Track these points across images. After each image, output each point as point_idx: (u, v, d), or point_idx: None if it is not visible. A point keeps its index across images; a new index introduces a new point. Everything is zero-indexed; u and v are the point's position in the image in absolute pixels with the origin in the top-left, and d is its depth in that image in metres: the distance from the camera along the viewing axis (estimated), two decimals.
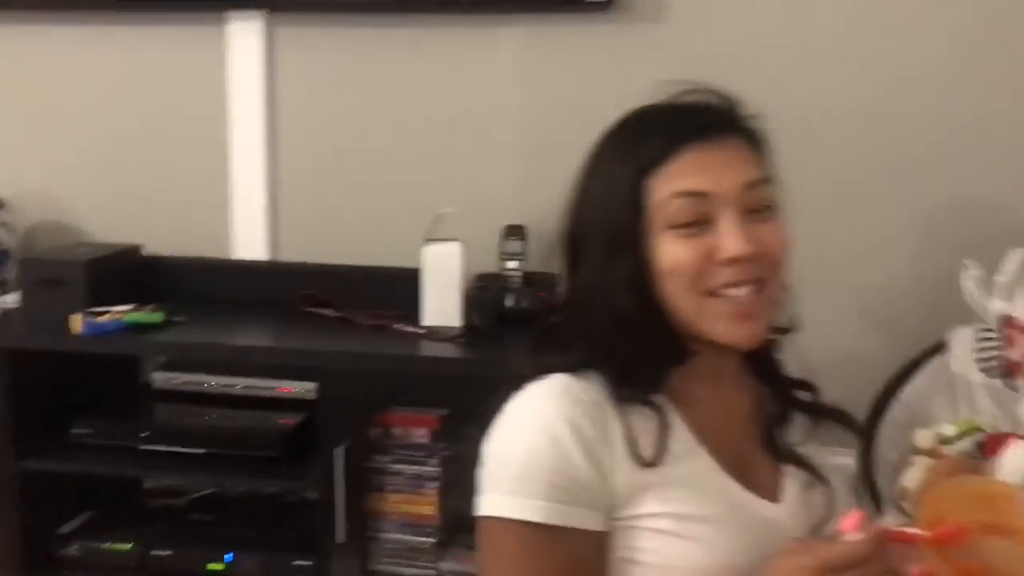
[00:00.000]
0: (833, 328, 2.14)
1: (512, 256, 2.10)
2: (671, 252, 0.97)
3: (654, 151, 0.97)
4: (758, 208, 0.98)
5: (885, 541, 0.88)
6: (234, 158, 2.29)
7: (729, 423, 1.05)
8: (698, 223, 0.96)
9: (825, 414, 1.11)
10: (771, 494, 1.03)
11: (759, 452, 1.06)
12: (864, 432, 1.82)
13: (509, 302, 2.01)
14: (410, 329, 1.99)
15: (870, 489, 1.72)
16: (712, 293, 0.97)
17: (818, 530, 1.03)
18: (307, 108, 2.26)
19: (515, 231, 2.10)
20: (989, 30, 2.04)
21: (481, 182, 2.21)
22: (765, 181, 0.99)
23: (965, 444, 1.75)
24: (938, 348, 1.96)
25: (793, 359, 1.18)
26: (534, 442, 0.96)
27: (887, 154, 2.09)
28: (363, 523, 1.92)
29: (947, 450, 1.75)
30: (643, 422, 0.98)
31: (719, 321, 0.97)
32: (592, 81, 2.13)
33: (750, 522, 0.99)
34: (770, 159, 1.04)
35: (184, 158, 2.32)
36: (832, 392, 2.05)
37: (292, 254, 2.29)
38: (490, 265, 2.12)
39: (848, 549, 0.87)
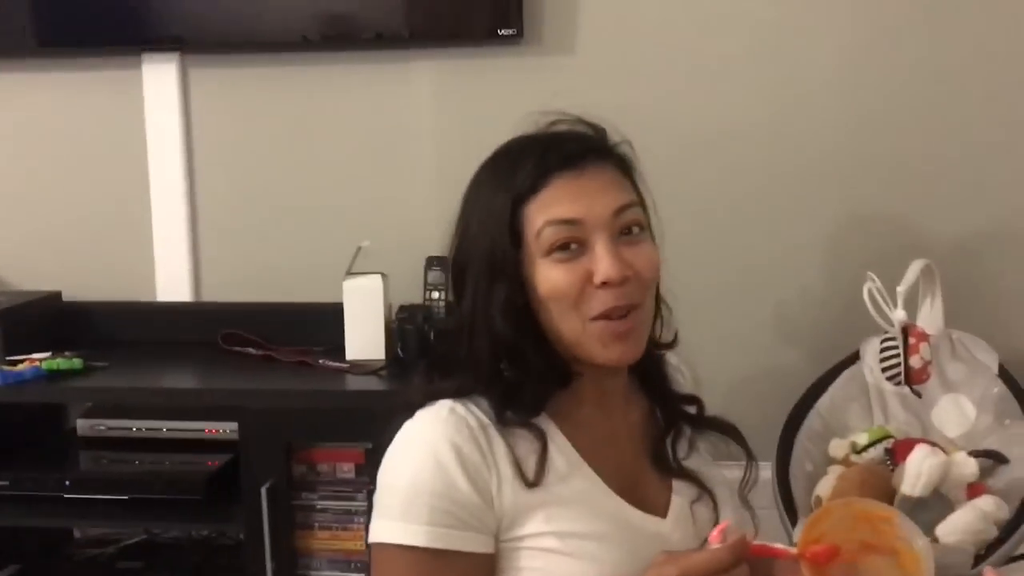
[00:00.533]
0: (749, 342, 2.19)
1: (435, 286, 2.12)
2: (549, 277, 1.00)
3: (527, 180, 1.00)
4: (629, 231, 1.02)
5: (746, 551, 0.90)
6: (154, 199, 2.28)
7: (615, 441, 1.08)
8: (572, 248, 0.99)
9: (711, 426, 1.14)
10: (659, 509, 1.06)
11: (647, 468, 1.09)
12: (780, 442, 1.86)
13: (433, 332, 2.02)
14: (334, 364, 2.00)
15: (786, 500, 1.76)
16: (592, 319, 1.00)
17: (705, 544, 1.05)
18: (224, 147, 2.27)
19: (437, 261, 2.12)
20: (888, 48, 2.12)
21: (402, 214, 2.23)
22: (634, 205, 1.03)
23: (875, 451, 1.81)
24: (852, 359, 2.01)
25: (688, 375, 1.21)
26: (419, 467, 0.98)
27: (793, 171, 2.16)
28: (292, 562, 1.90)
29: (859, 458, 1.80)
30: (527, 444, 1.01)
31: (597, 343, 1.00)
32: (507, 111, 2.10)
33: (635, 538, 1.02)
34: (639, 183, 1.08)
35: (103, 201, 2.31)
36: (750, 405, 2.12)
37: (215, 294, 2.29)
38: (415, 296, 2.13)
39: (707, 557, 0.90)
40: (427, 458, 0.98)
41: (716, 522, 1.06)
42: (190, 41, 2.20)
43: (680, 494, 1.08)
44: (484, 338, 1.02)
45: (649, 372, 1.12)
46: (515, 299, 1.00)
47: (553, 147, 1.02)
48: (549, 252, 1.00)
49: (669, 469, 1.09)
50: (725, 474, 1.13)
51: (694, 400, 1.15)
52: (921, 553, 0.92)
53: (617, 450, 1.07)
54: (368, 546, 1.03)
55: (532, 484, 0.99)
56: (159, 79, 2.24)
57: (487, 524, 0.98)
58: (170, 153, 2.26)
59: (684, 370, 1.19)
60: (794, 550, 0.92)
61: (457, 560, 0.97)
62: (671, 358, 1.18)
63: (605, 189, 1.01)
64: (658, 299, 1.08)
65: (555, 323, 1.01)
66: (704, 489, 1.08)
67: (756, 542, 0.93)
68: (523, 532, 0.99)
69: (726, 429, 1.15)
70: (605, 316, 1.00)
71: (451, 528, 0.97)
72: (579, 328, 1.00)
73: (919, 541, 0.93)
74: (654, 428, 1.12)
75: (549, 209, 0.99)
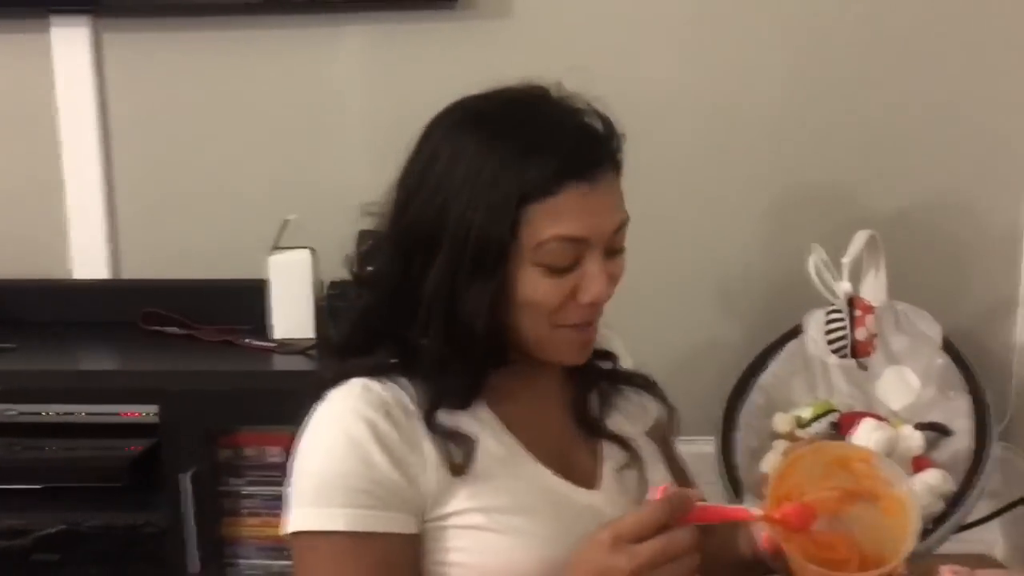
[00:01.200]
0: (692, 316, 2.16)
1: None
2: (535, 288, 0.94)
3: (539, 180, 0.91)
4: (618, 249, 0.98)
5: (685, 507, 0.85)
6: (67, 171, 2.16)
7: (545, 414, 1.03)
8: (569, 267, 0.94)
9: (626, 381, 1.10)
10: (589, 481, 1.02)
11: (575, 437, 1.04)
12: (723, 418, 1.82)
13: (363, 304, 1.94)
14: (260, 343, 1.91)
15: (730, 476, 1.72)
16: (562, 325, 0.96)
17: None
18: (142, 116, 2.15)
19: (369, 235, 2.03)
20: (831, 19, 2.08)
21: (331, 186, 2.13)
22: (627, 220, 0.98)
23: (821, 425, 1.78)
24: (795, 332, 1.98)
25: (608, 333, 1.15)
26: (330, 448, 0.92)
27: (736, 142, 2.11)
28: (219, 550, 1.83)
29: (803, 433, 1.77)
30: (453, 423, 0.95)
31: (560, 347, 0.98)
32: (440, 78, 2.04)
33: (566, 510, 0.97)
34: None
35: (13, 174, 2.17)
36: (693, 380, 2.08)
37: (134, 271, 2.18)
38: (347, 272, 2.04)
39: (638, 515, 0.85)
40: (339, 437, 0.91)
41: (645, 487, 1.02)
42: (103, 2, 2.07)
43: (610, 460, 1.04)
44: (441, 328, 0.94)
45: None
46: (499, 299, 0.94)
47: (570, 148, 0.93)
48: (545, 265, 0.93)
49: (596, 431, 1.05)
50: (647, 437, 1.09)
51: (608, 355, 1.09)
52: (905, 496, 0.88)
53: (545, 420, 1.02)
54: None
55: (458, 471, 0.93)
56: (69, 43, 2.10)
57: (410, 503, 0.92)
58: (83, 122, 2.13)
59: (603, 329, 1.10)
60: (757, 511, 0.87)
61: (379, 542, 0.91)
62: None
63: (612, 205, 0.96)
64: None
65: (518, 320, 0.95)
66: (630, 450, 1.04)
67: (705, 504, 0.87)
68: (448, 510, 0.93)
69: (641, 381, 1.11)
70: (574, 325, 0.96)
71: (371, 509, 0.90)
72: (545, 332, 0.96)
73: (902, 484, 0.89)
74: (573, 389, 1.07)
75: (559, 223, 0.92)
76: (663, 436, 1.12)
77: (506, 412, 0.99)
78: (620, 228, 0.97)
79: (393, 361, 0.96)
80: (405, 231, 0.96)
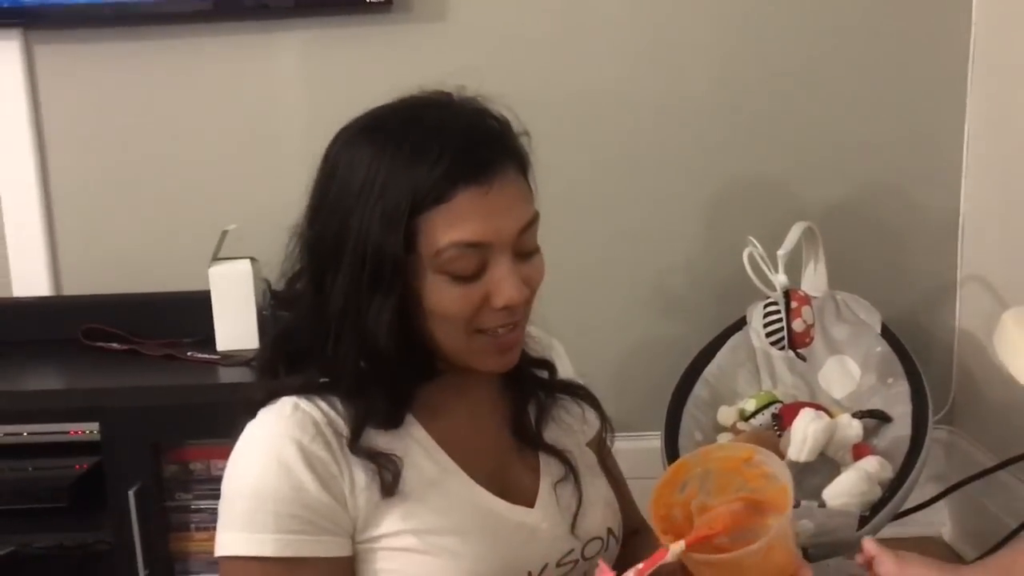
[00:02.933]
0: (633, 313, 2.17)
1: None
2: (444, 298, 0.91)
3: (431, 189, 0.88)
4: (529, 250, 0.95)
5: None
6: (3, 187, 2.12)
7: (478, 428, 1.01)
8: (475, 273, 0.92)
9: (564, 390, 1.09)
10: (526, 498, 1.00)
11: (511, 452, 1.02)
12: (668, 412, 1.83)
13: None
14: (203, 356, 1.89)
15: None
16: (479, 331, 0.94)
17: (573, 524, 1.01)
18: (78, 129, 2.12)
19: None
20: (764, 11, 2.09)
21: (271, 194, 2.09)
22: (536, 219, 0.95)
23: (764, 417, 1.79)
24: (739, 324, 1.99)
25: (548, 341, 1.14)
26: (260, 472, 0.91)
27: (671, 137, 2.12)
28: (168, 566, 1.81)
29: (746, 425, 1.79)
30: (383, 443, 0.94)
31: (480, 354, 0.95)
32: (378, 82, 2.03)
33: (501, 529, 0.96)
34: (533, 181, 0.98)
35: None
36: (638, 376, 2.09)
37: (76, 287, 2.15)
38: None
39: None
40: (270, 460, 0.90)
41: (579, 501, 1.01)
42: (33, 15, 2.04)
43: (547, 475, 1.02)
44: (353, 344, 0.92)
45: None
46: (405, 312, 0.91)
47: (460, 150, 0.89)
48: (447, 273, 0.91)
49: (533, 443, 1.03)
50: (586, 448, 1.09)
51: (545, 364, 1.08)
52: (786, 487, 0.88)
53: (480, 436, 1.01)
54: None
55: (387, 493, 0.92)
56: (1, 56, 2.07)
57: (341, 525, 0.91)
58: (18, 138, 2.10)
59: (543, 337, 1.12)
60: (666, 550, 0.85)
61: (310, 567, 0.90)
62: (530, 328, 1.08)
63: (512, 204, 0.92)
64: None
65: (433, 332, 0.93)
66: (567, 465, 1.03)
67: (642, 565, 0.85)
68: (379, 532, 0.93)
69: (579, 392, 1.09)
70: (491, 331, 0.94)
71: (300, 534, 0.90)
72: (462, 340, 0.93)
73: (784, 475, 0.89)
74: (511, 400, 1.05)
75: (455, 229, 0.89)
76: (607, 451, 1.12)
77: (439, 429, 0.97)
78: (527, 228, 0.93)
79: (323, 380, 0.95)
80: (312, 247, 0.95)
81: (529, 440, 1.03)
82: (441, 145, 0.89)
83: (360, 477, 0.92)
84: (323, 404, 0.94)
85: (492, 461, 1.00)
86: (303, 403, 0.93)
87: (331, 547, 0.91)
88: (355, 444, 0.92)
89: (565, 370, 1.11)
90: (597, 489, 1.05)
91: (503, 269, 0.91)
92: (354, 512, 0.92)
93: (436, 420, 0.98)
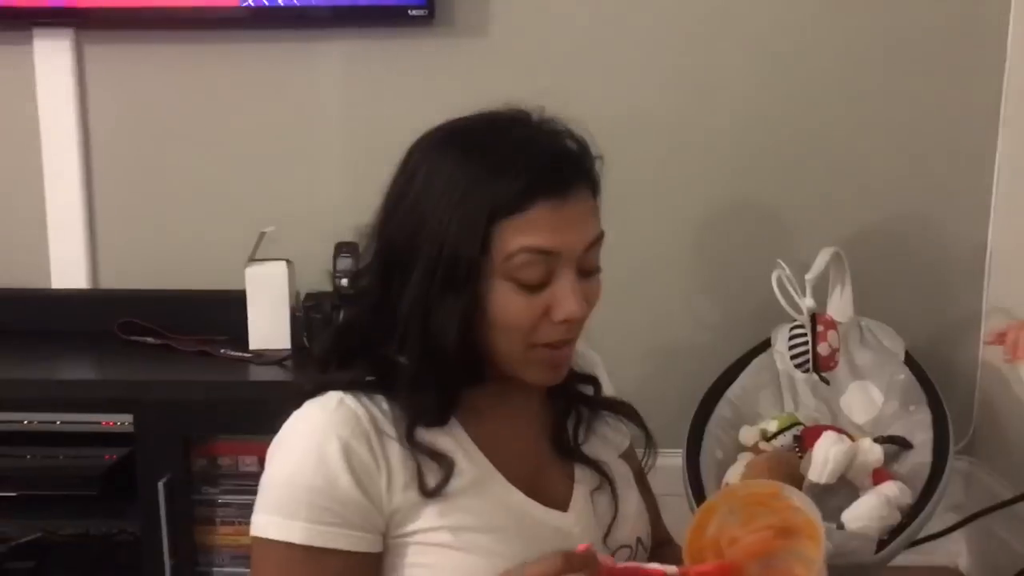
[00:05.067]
0: (661, 331, 2.19)
1: (344, 274, 2.06)
2: (508, 305, 0.94)
3: (510, 197, 0.92)
4: (592, 268, 0.98)
5: (588, 561, 0.86)
6: (48, 182, 2.18)
7: (518, 433, 1.03)
8: (540, 284, 0.94)
9: (608, 407, 1.11)
10: (560, 503, 1.02)
11: (549, 458, 1.05)
12: (690, 430, 1.85)
13: (344, 318, 1.96)
14: (236, 354, 1.93)
15: (696, 488, 1.75)
16: (535, 344, 0.96)
17: (607, 532, 1.03)
18: (123, 128, 2.18)
19: (346, 248, 2.06)
20: (798, 44, 2.13)
21: (309, 199, 2.16)
22: (602, 237, 0.98)
23: (785, 439, 1.81)
24: (763, 346, 2.01)
25: (594, 357, 1.16)
26: (300, 462, 0.93)
27: (704, 163, 2.15)
28: (192, 558, 1.84)
29: (768, 446, 1.80)
30: (428, 441, 0.96)
31: (533, 367, 0.97)
32: (417, 94, 2.12)
33: (535, 531, 0.98)
34: (599, 202, 1.01)
35: None
36: (662, 393, 2.11)
37: (114, 281, 2.19)
38: (322, 284, 2.07)
39: (539, 565, 0.88)
40: (310, 452, 0.93)
41: (615, 511, 1.04)
42: (85, 16, 2.10)
43: (582, 483, 1.05)
44: (418, 343, 0.95)
45: None
46: (471, 315, 0.94)
47: (541, 164, 0.93)
48: (515, 279, 0.94)
49: (570, 454, 1.05)
50: (621, 460, 1.11)
51: (591, 380, 1.10)
52: (816, 520, 0.90)
53: (518, 441, 1.03)
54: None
55: (430, 493, 0.95)
56: (52, 56, 2.13)
57: (372, 523, 0.94)
58: (65, 134, 2.15)
59: (588, 353, 1.14)
60: (673, 569, 0.88)
61: (335, 558, 0.93)
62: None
63: (583, 220, 0.96)
64: None
65: (493, 339, 0.96)
66: (604, 476, 1.05)
67: (620, 565, 0.88)
68: (415, 527, 0.95)
69: (624, 410, 1.11)
70: (549, 345, 0.96)
71: (330, 526, 0.92)
72: (519, 351, 0.96)
73: (812, 509, 0.91)
74: (553, 412, 1.08)
75: (528, 235, 0.92)
76: (638, 464, 1.13)
77: (479, 431, 0.99)
78: (593, 245, 0.96)
79: (370, 378, 0.97)
80: (385, 248, 0.98)
81: (566, 451, 1.06)
82: (525, 160, 0.94)
83: (399, 475, 0.94)
84: (368, 402, 0.96)
85: (528, 466, 1.02)
86: (348, 399, 0.96)
87: (359, 543, 0.93)
88: (412, 438, 0.95)
89: (606, 385, 1.13)
90: (630, 500, 1.07)
91: (567, 282, 0.94)
92: (389, 509, 0.94)
93: (477, 423, 1.00)
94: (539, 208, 0.92)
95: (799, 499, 0.92)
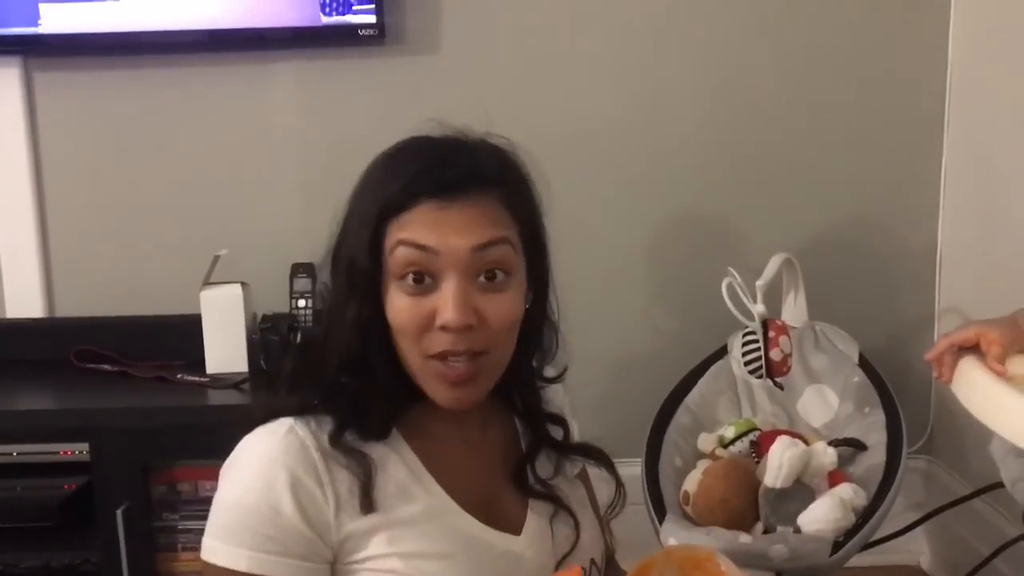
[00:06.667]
0: (618, 340, 2.20)
1: (301, 294, 2.06)
2: (396, 306, 0.95)
3: (395, 197, 0.95)
4: (490, 274, 0.95)
5: None
6: (0, 211, 2.16)
7: (470, 457, 1.03)
8: (424, 279, 0.94)
9: (577, 452, 1.10)
10: (513, 526, 1.02)
11: (505, 485, 1.05)
12: (649, 438, 1.86)
13: (298, 341, 1.96)
14: (193, 378, 1.92)
15: (655, 497, 1.76)
16: (430, 356, 0.96)
17: (564, 558, 1.03)
18: (75, 155, 2.16)
19: (302, 268, 2.06)
20: (745, 50, 2.15)
21: (263, 221, 2.16)
22: (499, 242, 0.95)
23: (742, 444, 1.82)
24: (720, 353, 2.03)
25: (564, 398, 1.16)
26: (247, 489, 0.93)
27: (655, 173, 2.18)
28: None
29: (725, 452, 1.82)
30: (362, 469, 0.96)
31: (434, 382, 0.97)
32: (371, 112, 2.13)
33: (485, 555, 0.98)
34: (528, 213, 1.00)
35: None
36: (620, 404, 2.12)
37: (69, 309, 2.18)
38: (281, 305, 2.07)
39: None
40: (257, 480, 0.93)
41: (576, 540, 1.04)
42: (33, 43, 2.08)
43: (537, 511, 1.04)
44: (334, 351, 0.98)
45: (521, 390, 1.08)
46: (365, 315, 0.96)
47: (430, 169, 0.95)
48: (401, 277, 0.94)
49: (528, 490, 1.05)
50: (576, 481, 1.11)
51: (560, 421, 1.10)
52: None
53: (471, 465, 1.03)
54: None
55: (367, 511, 0.95)
56: (1, 85, 2.11)
57: (317, 553, 0.94)
58: (16, 162, 2.14)
59: (563, 401, 1.15)
60: None
61: None
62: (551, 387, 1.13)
63: (471, 223, 0.94)
64: (534, 331, 1.03)
65: (401, 350, 0.97)
66: (562, 506, 1.05)
67: None
68: (365, 555, 0.95)
69: (593, 454, 1.11)
70: (441, 357, 0.95)
71: (274, 555, 0.92)
72: (419, 363, 0.97)
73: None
74: (516, 450, 1.08)
75: (407, 230, 0.94)
76: (591, 484, 1.13)
77: (428, 452, 1.00)
78: (481, 249, 0.94)
79: (317, 398, 0.98)
80: (331, 265, 1.01)
81: (525, 488, 1.05)
82: (413, 164, 0.97)
83: (345, 498, 0.94)
84: (315, 427, 0.96)
85: (480, 489, 1.02)
86: (298, 426, 0.96)
87: (301, 571, 0.93)
88: (336, 441, 0.95)
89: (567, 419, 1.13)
90: (585, 523, 1.07)
91: (449, 286, 0.94)
92: (338, 537, 0.94)
93: (426, 442, 1.00)
94: (421, 207, 0.94)
95: (727, 567, 0.95)
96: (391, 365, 0.97)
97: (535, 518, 1.04)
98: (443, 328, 0.94)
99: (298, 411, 0.98)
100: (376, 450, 0.97)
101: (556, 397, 1.14)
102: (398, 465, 0.98)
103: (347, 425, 0.97)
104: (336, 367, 0.98)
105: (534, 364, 1.08)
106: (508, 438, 1.08)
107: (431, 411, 1.00)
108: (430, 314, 0.94)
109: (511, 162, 1.01)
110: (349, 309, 0.96)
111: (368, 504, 0.95)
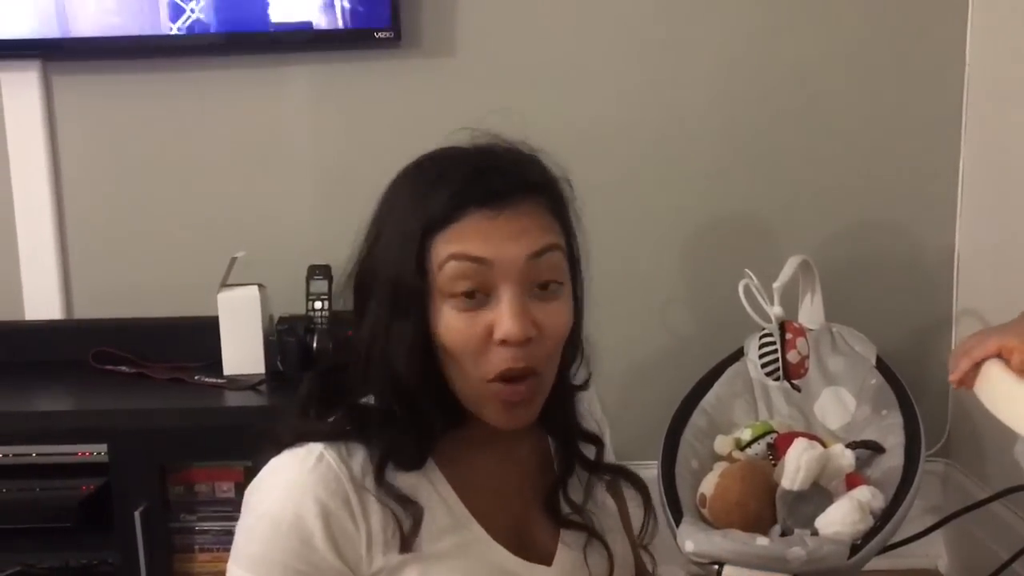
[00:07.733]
0: (635, 343, 2.20)
1: (318, 296, 2.07)
2: (450, 326, 0.91)
3: (440, 210, 0.90)
4: (544, 283, 0.92)
5: None
6: (19, 214, 2.18)
7: (503, 485, 1.00)
8: (476, 295, 0.90)
9: (608, 471, 1.07)
10: (544, 556, 0.99)
11: (537, 513, 1.02)
12: (665, 440, 1.85)
13: (315, 343, 1.97)
14: (210, 380, 1.93)
15: (671, 499, 1.75)
16: (491, 379, 0.92)
17: None
18: (93, 157, 2.18)
19: (319, 270, 2.07)
20: (763, 53, 2.15)
21: (280, 223, 2.17)
22: (553, 248, 0.93)
23: (759, 447, 1.82)
24: (737, 355, 2.02)
25: (599, 413, 1.14)
26: (278, 521, 0.90)
27: (671, 174, 2.17)
28: None
29: (742, 455, 1.81)
30: (404, 486, 0.93)
31: (491, 405, 0.93)
32: (386, 115, 2.13)
33: None
34: (570, 221, 0.98)
35: None
36: (637, 406, 2.11)
37: (87, 311, 2.19)
38: (297, 307, 2.08)
39: None
40: (286, 511, 0.90)
41: (610, 569, 1.02)
42: (51, 47, 2.10)
43: (567, 542, 1.02)
44: (380, 378, 0.93)
45: (552, 407, 1.02)
46: (418, 338, 0.90)
47: (475, 178, 0.91)
48: (452, 294, 0.90)
49: (559, 518, 1.02)
50: (617, 513, 1.08)
51: (595, 440, 1.07)
52: None
53: (505, 495, 1.00)
54: None
55: (406, 548, 0.92)
56: (19, 88, 2.13)
57: None
58: (35, 165, 2.16)
59: (595, 408, 1.13)
60: None
61: None
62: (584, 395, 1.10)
63: (523, 232, 0.91)
64: (572, 343, 1.00)
65: (452, 373, 0.93)
66: (595, 537, 1.02)
67: None
68: None
69: (623, 473, 1.08)
70: (502, 378, 0.91)
71: None
72: (476, 386, 0.92)
73: None
74: (548, 473, 1.04)
75: (457, 243, 0.90)
76: (623, 499, 1.09)
77: (460, 478, 0.97)
78: (537, 256, 0.91)
79: (351, 425, 0.94)
80: (356, 288, 0.97)
81: (557, 516, 1.02)
82: (456, 174, 0.92)
83: (379, 535, 0.91)
84: (346, 455, 0.93)
85: (511, 517, 1.00)
86: (328, 454, 0.92)
87: None
88: (381, 479, 0.92)
89: (608, 448, 1.10)
90: (617, 548, 1.04)
91: (506, 299, 0.90)
92: (368, 571, 0.91)
93: (458, 468, 0.97)
94: (470, 218, 0.90)
95: None
96: (439, 390, 0.93)
97: (566, 550, 1.01)
98: (503, 343, 0.90)
99: (328, 437, 0.94)
100: (409, 479, 0.94)
101: (590, 406, 1.11)
102: (431, 495, 0.95)
103: (388, 457, 0.93)
104: (383, 394, 0.94)
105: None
106: (540, 456, 1.05)
107: (465, 438, 0.97)
108: (486, 330, 0.90)
109: (551, 170, 0.98)
110: (397, 333, 0.91)
111: (409, 547, 0.92)
